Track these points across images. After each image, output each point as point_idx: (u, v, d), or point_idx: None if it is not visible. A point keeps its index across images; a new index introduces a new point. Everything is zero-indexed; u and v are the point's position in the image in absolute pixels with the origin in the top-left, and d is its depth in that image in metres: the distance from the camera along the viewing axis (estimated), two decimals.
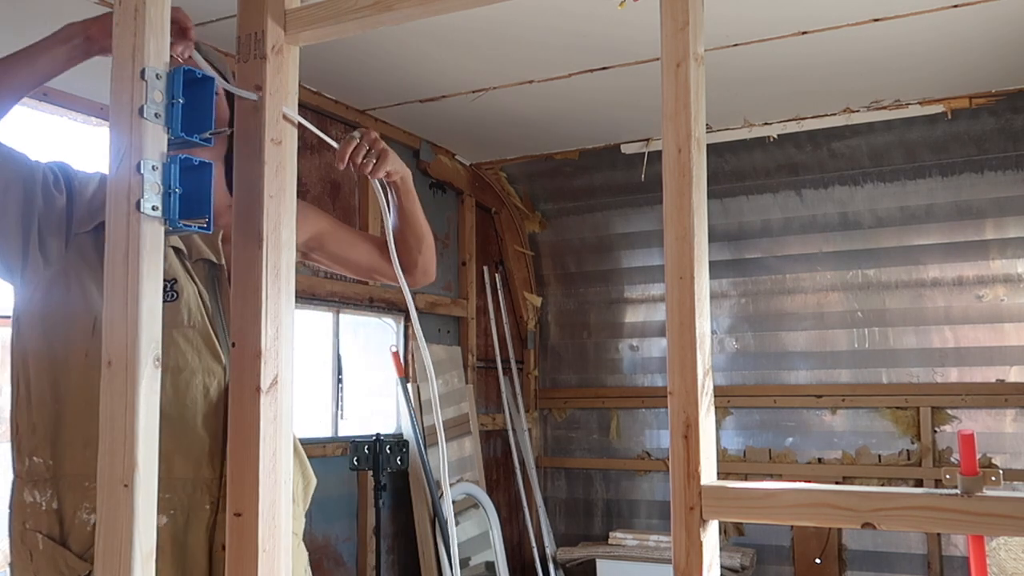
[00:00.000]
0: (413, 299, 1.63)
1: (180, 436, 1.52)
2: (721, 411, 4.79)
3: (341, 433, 3.99)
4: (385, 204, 1.68)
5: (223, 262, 1.61)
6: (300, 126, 1.40)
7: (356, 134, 1.62)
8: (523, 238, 5.21)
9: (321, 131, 1.57)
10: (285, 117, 1.36)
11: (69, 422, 1.51)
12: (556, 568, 4.78)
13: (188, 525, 1.53)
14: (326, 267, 1.93)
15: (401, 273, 1.66)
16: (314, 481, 1.76)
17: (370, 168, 1.62)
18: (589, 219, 5.07)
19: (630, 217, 4.95)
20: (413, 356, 4.30)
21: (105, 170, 1.60)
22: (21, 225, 1.50)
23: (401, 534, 4.17)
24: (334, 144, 1.63)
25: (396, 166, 1.67)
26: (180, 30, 1.39)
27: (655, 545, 4.48)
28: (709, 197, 1.14)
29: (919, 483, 4.33)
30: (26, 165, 1.52)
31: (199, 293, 1.58)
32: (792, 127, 4.18)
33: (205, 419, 1.55)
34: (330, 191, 3.84)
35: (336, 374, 4.03)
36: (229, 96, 1.51)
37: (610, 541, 4.68)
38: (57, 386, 1.52)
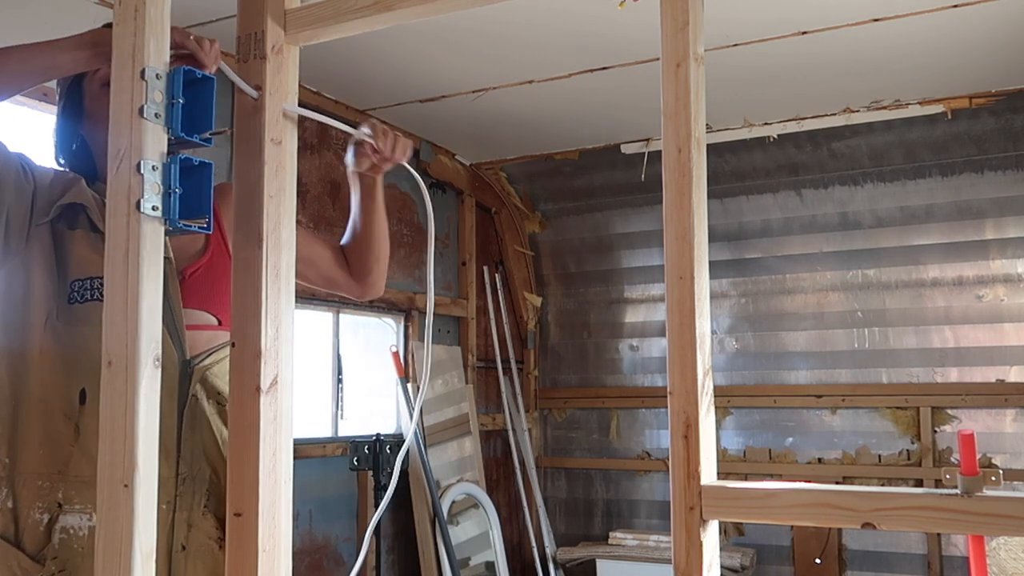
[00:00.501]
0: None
1: None
2: (721, 411, 4.79)
3: (341, 433, 3.99)
4: (427, 196, 1.57)
5: (171, 255, 1.58)
6: (310, 117, 1.39)
7: (366, 130, 1.56)
8: (523, 238, 5.21)
9: (320, 129, 1.55)
10: (285, 115, 1.35)
11: (26, 419, 1.49)
12: (556, 568, 4.78)
13: None
14: None
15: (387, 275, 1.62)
16: None
17: (398, 153, 1.58)
18: (589, 219, 5.06)
19: (630, 217, 4.95)
20: (413, 356, 4.30)
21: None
22: None
23: (401, 534, 4.17)
24: (343, 127, 1.58)
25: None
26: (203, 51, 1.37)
27: (655, 545, 4.48)
28: (709, 197, 1.14)
29: (919, 483, 4.33)
30: (3, 153, 1.51)
31: None
32: (792, 127, 4.18)
33: (160, 415, 1.54)
34: (330, 191, 3.84)
35: (336, 374, 4.02)
36: None
37: (610, 541, 4.68)
38: (16, 382, 1.50)
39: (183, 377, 1.55)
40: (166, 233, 1.24)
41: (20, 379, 1.50)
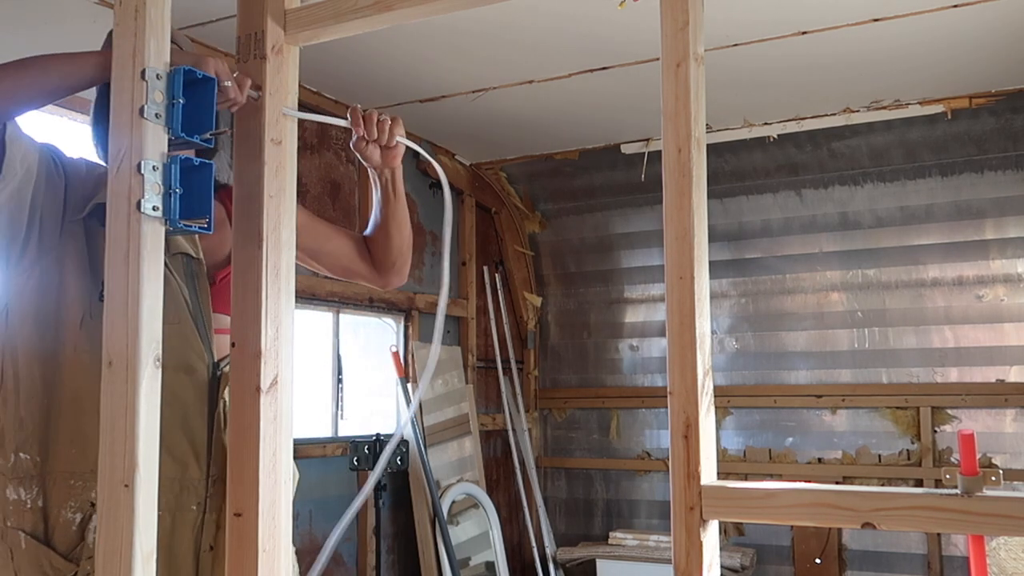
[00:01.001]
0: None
1: (165, 435, 1.49)
2: (721, 411, 4.79)
3: (341, 433, 3.99)
4: (427, 155, 1.62)
5: (201, 256, 1.58)
6: (306, 116, 1.39)
7: (343, 121, 1.55)
8: (523, 238, 5.21)
9: (320, 129, 1.55)
10: (285, 115, 1.36)
11: (58, 418, 1.48)
12: (556, 568, 4.78)
13: (175, 527, 1.51)
14: (298, 262, 1.86)
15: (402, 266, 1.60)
16: (297, 475, 1.73)
17: (386, 134, 1.57)
18: (589, 219, 5.06)
19: (630, 217, 4.95)
20: (413, 356, 4.30)
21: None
22: (29, 209, 1.47)
23: (401, 534, 4.17)
24: (339, 122, 1.56)
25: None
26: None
27: (655, 545, 4.48)
28: (709, 197, 1.14)
29: (919, 483, 4.33)
30: (35, 147, 1.50)
31: (179, 288, 1.54)
32: (792, 127, 4.18)
33: (190, 417, 1.53)
34: (330, 191, 3.84)
35: (336, 374, 4.02)
36: None
37: (610, 541, 4.68)
38: (48, 380, 1.49)
39: (213, 380, 1.55)
40: (178, 232, 1.24)
41: (53, 377, 1.49)
